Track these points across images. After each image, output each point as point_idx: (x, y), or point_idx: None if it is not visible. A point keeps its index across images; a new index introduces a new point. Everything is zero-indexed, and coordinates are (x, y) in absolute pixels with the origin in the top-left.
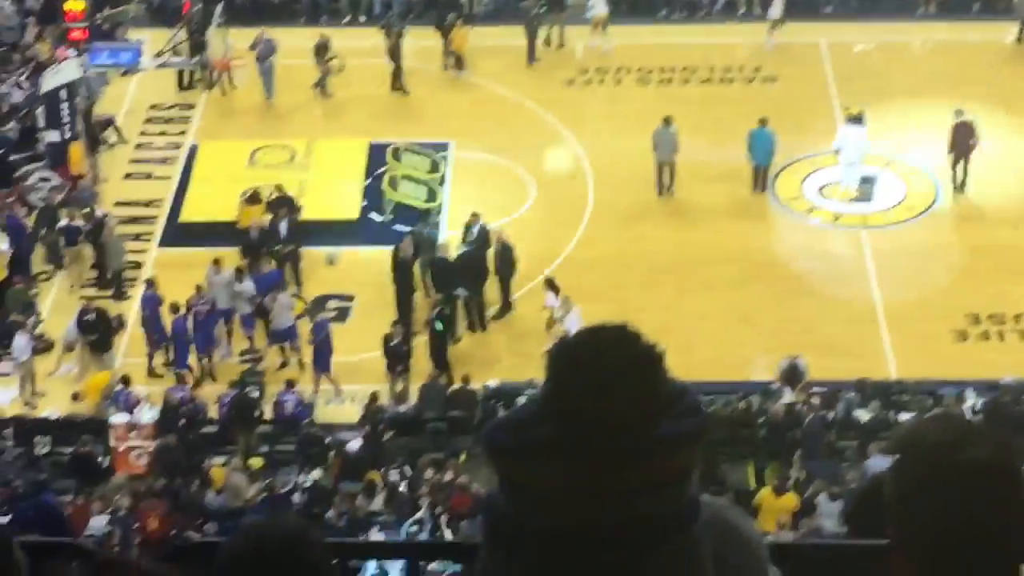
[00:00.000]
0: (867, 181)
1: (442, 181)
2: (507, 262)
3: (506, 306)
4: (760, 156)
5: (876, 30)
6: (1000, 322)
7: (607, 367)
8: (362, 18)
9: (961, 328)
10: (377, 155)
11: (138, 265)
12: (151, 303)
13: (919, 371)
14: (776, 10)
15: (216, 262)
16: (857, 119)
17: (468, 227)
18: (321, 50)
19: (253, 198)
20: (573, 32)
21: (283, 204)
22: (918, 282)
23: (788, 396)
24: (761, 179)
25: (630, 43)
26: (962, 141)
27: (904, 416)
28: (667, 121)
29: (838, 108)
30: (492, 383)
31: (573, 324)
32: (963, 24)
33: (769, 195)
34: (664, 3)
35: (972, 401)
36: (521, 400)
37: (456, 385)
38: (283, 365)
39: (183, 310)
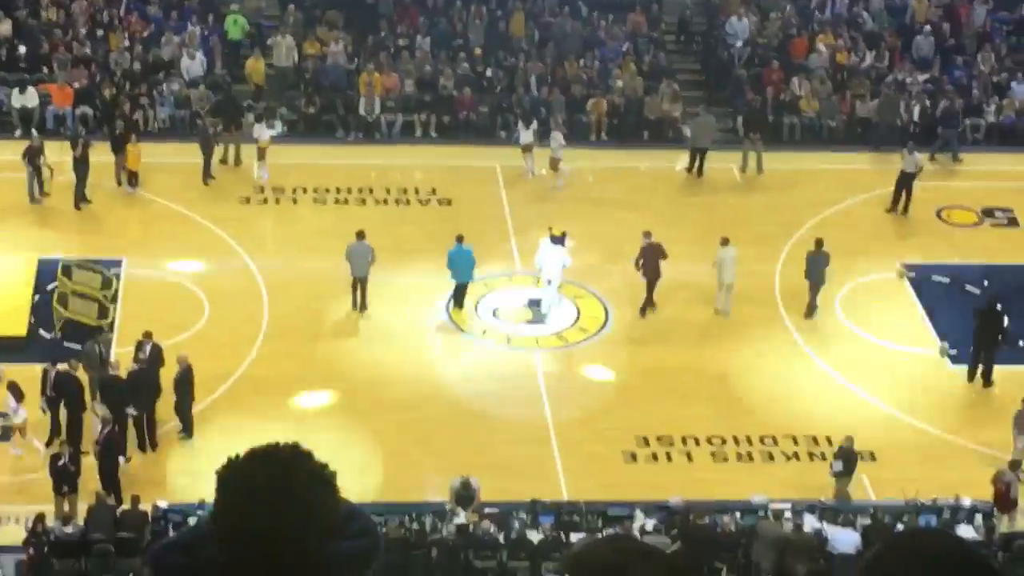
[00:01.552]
0: (538, 303)
1: (114, 298)
2: (186, 386)
3: (186, 429)
4: (462, 274)
5: (547, 154)
6: (668, 444)
7: (277, 486)
8: (34, 132)
9: (630, 449)
10: (47, 271)
11: None
12: None
13: (590, 492)
14: (527, 136)
15: None
16: (559, 239)
17: (140, 345)
18: (31, 154)
19: None
20: (249, 151)
21: None
22: (589, 404)
23: (461, 517)
24: (460, 297)
25: (306, 163)
26: (651, 262)
27: (575, 537)
28: (360, 235)
29: (512, 230)
30: (162, 503)
31: None
32: (634, 152)
33: (443, 316)
34: (341, 124)
35: (641, 522)
36: (192, 521)
37: (125, 506)
38: None
39: None
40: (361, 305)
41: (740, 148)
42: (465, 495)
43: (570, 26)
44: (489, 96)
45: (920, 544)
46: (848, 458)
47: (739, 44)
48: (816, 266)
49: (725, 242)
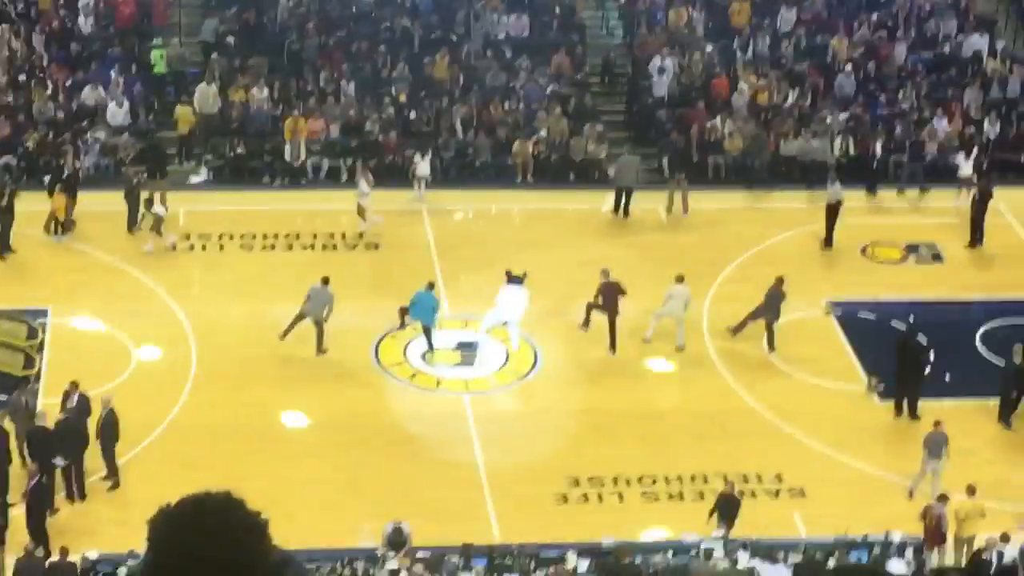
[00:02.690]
0: (468, 346)
1: (40, 348)
2: (111, 430)
3: (112, 476)
4: (427, 317)
5: (474, 197)
6: (599, 484)
7: (209, 535)
8: None
9: (562, 491)
10: None
11: None
12: None
13: (522, 534)
14: (423, 167)
15: None
16: (518, 279)
17: (67, 395)
18: None
19: None
20: (175, 198)
21: None
22: (520, 446)
23: (393, 562)
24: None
25: (233, 209)
26: (610, 299)
27: None
28: (325, 281)
29: (440, 273)
30: (92, 554)
31: None
32: (560, 193)
33: (372, 360)
34: (267, 170)
35: (574, 563)
36: (122, 572)
37: (54, 558)
38: None
39: None
40: (319, 349)
41: (666, 188)
42: (397, 540)
43: (494, 69)
44: (415, 140)
45: None
46: (729, 505)
47: (662, 85)
48: (774, 301)
49: (680, 279)
